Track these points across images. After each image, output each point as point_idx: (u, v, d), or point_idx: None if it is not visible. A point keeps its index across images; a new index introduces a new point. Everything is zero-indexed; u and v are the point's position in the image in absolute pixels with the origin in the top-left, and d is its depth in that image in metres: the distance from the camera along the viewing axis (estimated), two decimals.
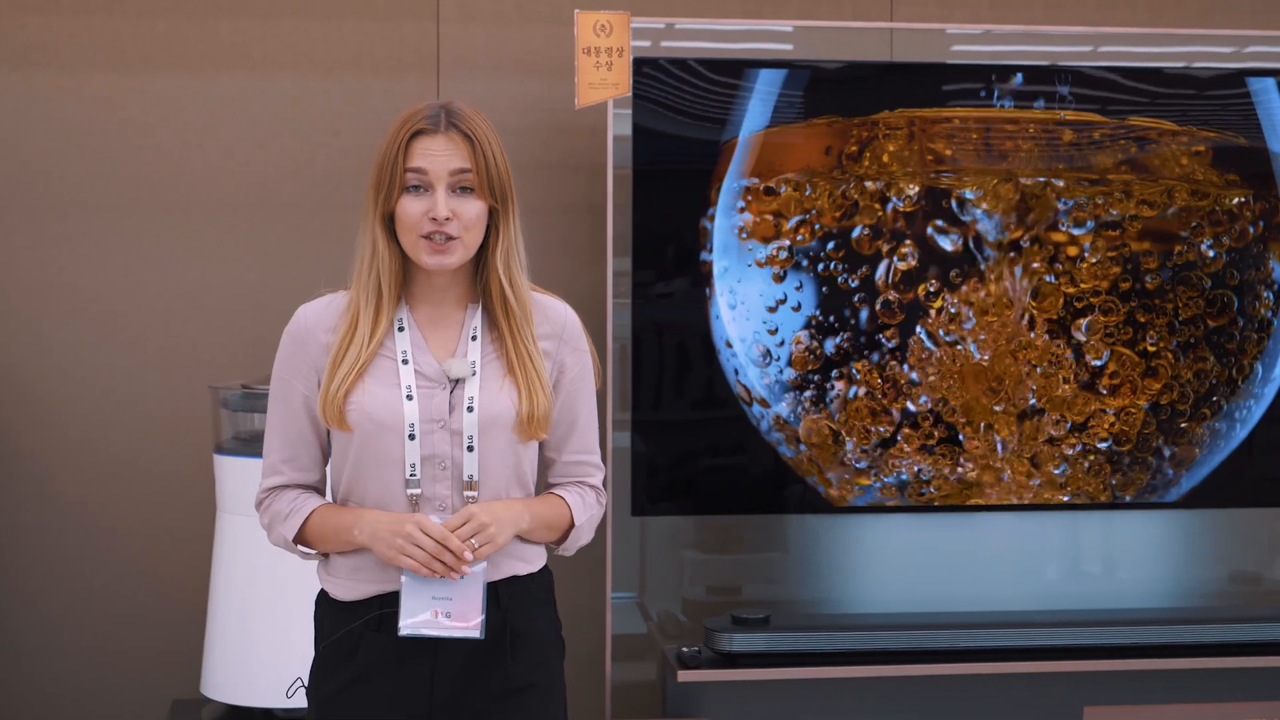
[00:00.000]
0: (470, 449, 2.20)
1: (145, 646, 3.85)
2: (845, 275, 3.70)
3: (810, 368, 3.71)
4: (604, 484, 2.39)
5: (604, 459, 3.56)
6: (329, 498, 2.33)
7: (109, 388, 3.85)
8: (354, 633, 2.23)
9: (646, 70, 3.64)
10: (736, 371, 3.72)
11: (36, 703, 3.85)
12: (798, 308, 3.70)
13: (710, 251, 3.69)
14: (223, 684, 3.43)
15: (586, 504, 2.34)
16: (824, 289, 3.70)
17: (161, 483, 3.84)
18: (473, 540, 2.15)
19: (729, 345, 3.71)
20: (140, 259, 3.85)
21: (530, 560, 2.29)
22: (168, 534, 3.84)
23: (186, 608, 3.76)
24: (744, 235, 3.69)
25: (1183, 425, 3.82)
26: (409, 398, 2.20)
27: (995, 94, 3.75)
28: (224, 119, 3.86)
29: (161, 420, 3.84)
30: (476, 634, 2.18)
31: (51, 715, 3.85)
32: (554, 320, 2.30)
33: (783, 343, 3.71)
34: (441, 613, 2.17)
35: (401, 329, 2.24)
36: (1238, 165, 3.81)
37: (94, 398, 3.84)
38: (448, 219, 2.18)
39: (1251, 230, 3.82)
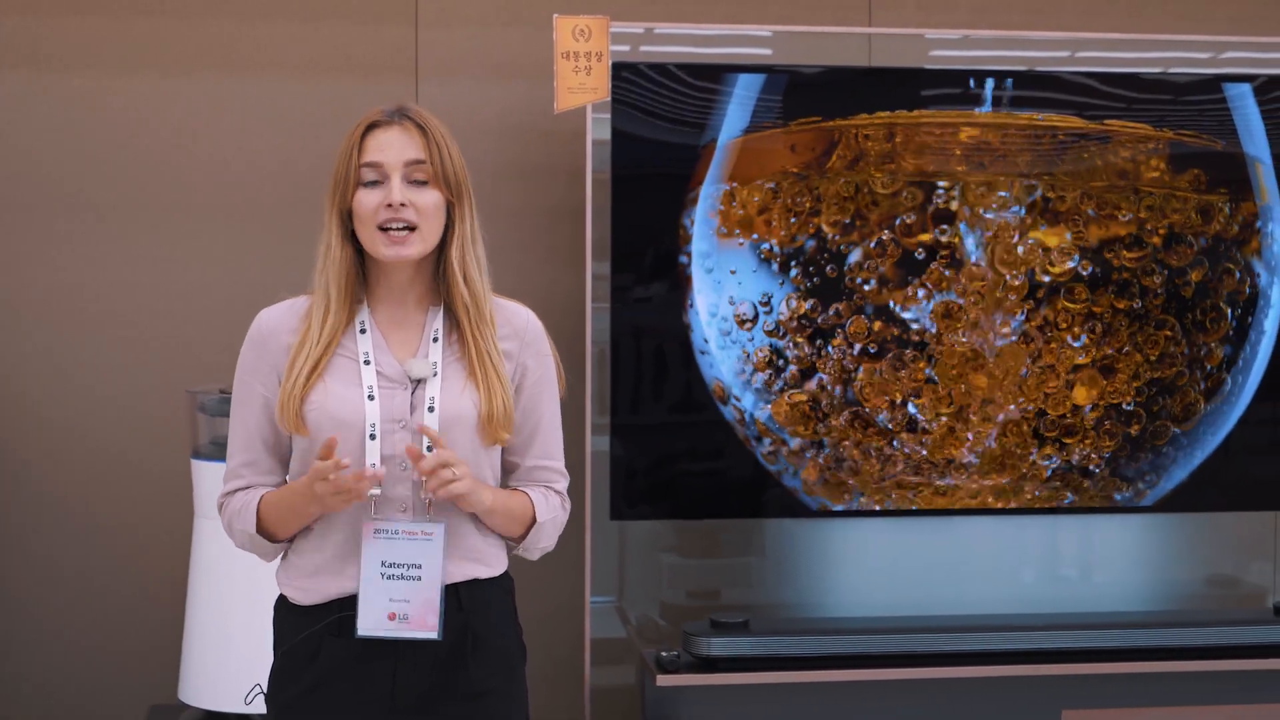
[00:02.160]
0: (430, 449, 2.20)
1: (123, 652, 3.84)
2: (825, 274, 3.71)
3: (793, 348, 3.71)
4: (568, 492, 2.38)
5: (583, 462, 3.60)
6: None
7: (91, 388, 3.83)
8: (314, 637, 2.22)
9: (626, 75, 3.64)
10: (711, 368, 3.73)
11: (15, 708, 3.83)
12: (795, 286, 3.71)
13: (689, 255, 3.69)
14: (200, 689, 3.42)
15: (550, 505, 2.33)
16: (804, 290, 3.70)
17: (143, 486, 3.83)
18: (442, 471, 2.13)
19: (704, 340, 3.71)
20: (118, 260, 3.83)
21: (491, 564, 2.28)
22: (149, 538, 3.83)
23: (166, 612, 3.75)
24: (722, 238, 3.69)
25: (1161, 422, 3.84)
26: (370, 398, 2.20)
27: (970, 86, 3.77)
28: (203, 120, 3.85)
29: (143, 422, 3.83)
30: (434, 635, 2.18)
31: None
32: (515, 324, 2.30)
33: (752, 338, 3.72)
34: (399, 614, 2.17)
35: (363, 331, 2.24)
36: (1215, 169, 3.83)
37: (76, 399, 3.83)
38: (403, 205, 2.18)
39: (1228, 233, 3.84)
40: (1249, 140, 3.85)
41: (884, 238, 3.71)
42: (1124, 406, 3.80)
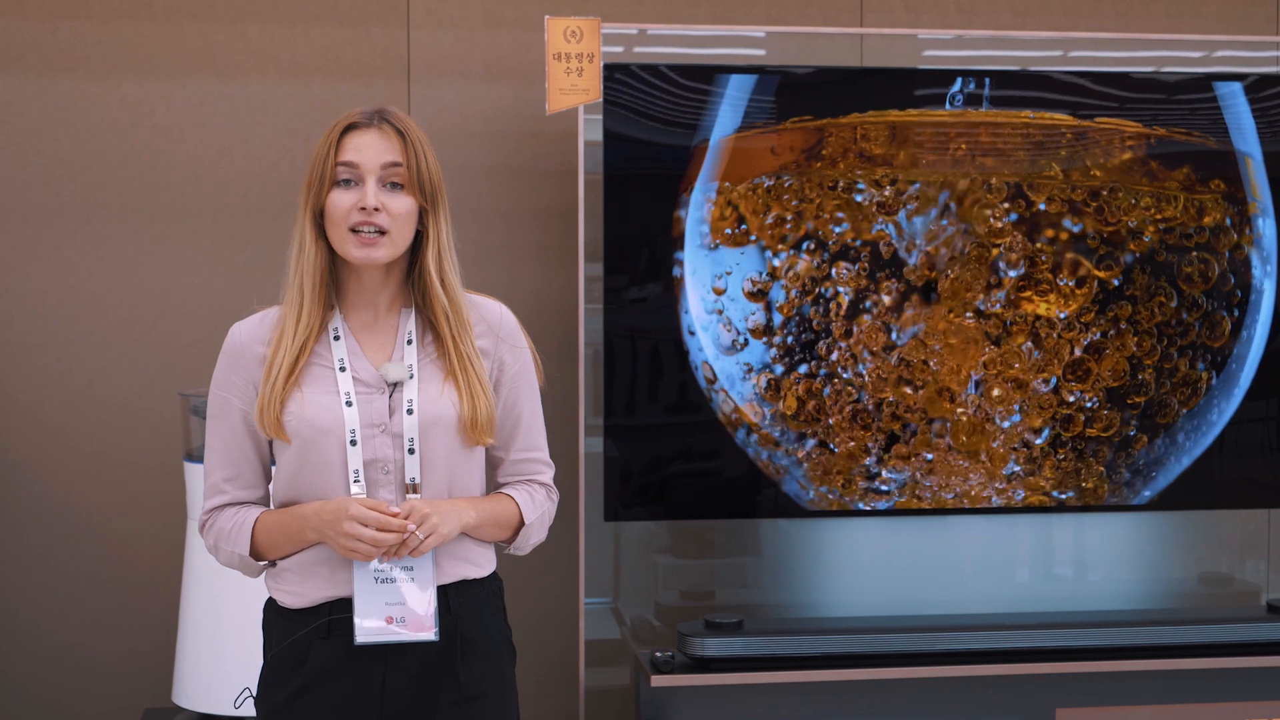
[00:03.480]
0: (411, 451, 2.19)
1: (117, 654, 3.84)
2: (815, 274, 3.71)
3: (782, 351, 3.72)
4: (554, 482, 2.38)
5: (577, 464, 3.60)
6: (271, 507, 2.31)
7: (84, 390, 3.83)
8: (303, 641, 2.21)
9: (618, 76, 3.64)
10: (707, 369, 3.73)
11: (8, 710, 3.82)
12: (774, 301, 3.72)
13: (682, 255, 3.69)
14: (193, 692, 3.42)
15: (536, 502, 2.33)
16: (795, 290, 3.70)
17: (137, 488, 3.83)
18: (417, 533, 2.14)
19: (692, 333, 3.71)
20: (110, 262, 3.83)
21: (480, 564, 2.28)
22: (142, 540, 3.83)
23: (159, 615, 3.75)
24: (715, 238, 3.69)
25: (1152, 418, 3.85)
26: (348, 404, 2.19)
27: (950, 98, 3.78)
28: (194, 123, 3.85)
29: (136, 425, 3.83)
30: (432, 636, 2.18)
31: None
32: (490, 319, 2.30)
33: (748, 340, 3.72)
34: (396, 619, 2.17)
35: (337, 338, 2.23)
36: (1206, 167, 3.83)
37: (70, 401, 3.82)
38: (376, 210, 2.17)
39: (1225, 232, 3.84)
40: (1239, 137, 3.85)
41: (876, 230, 3.72)
42: (1137, 373, 3.80)
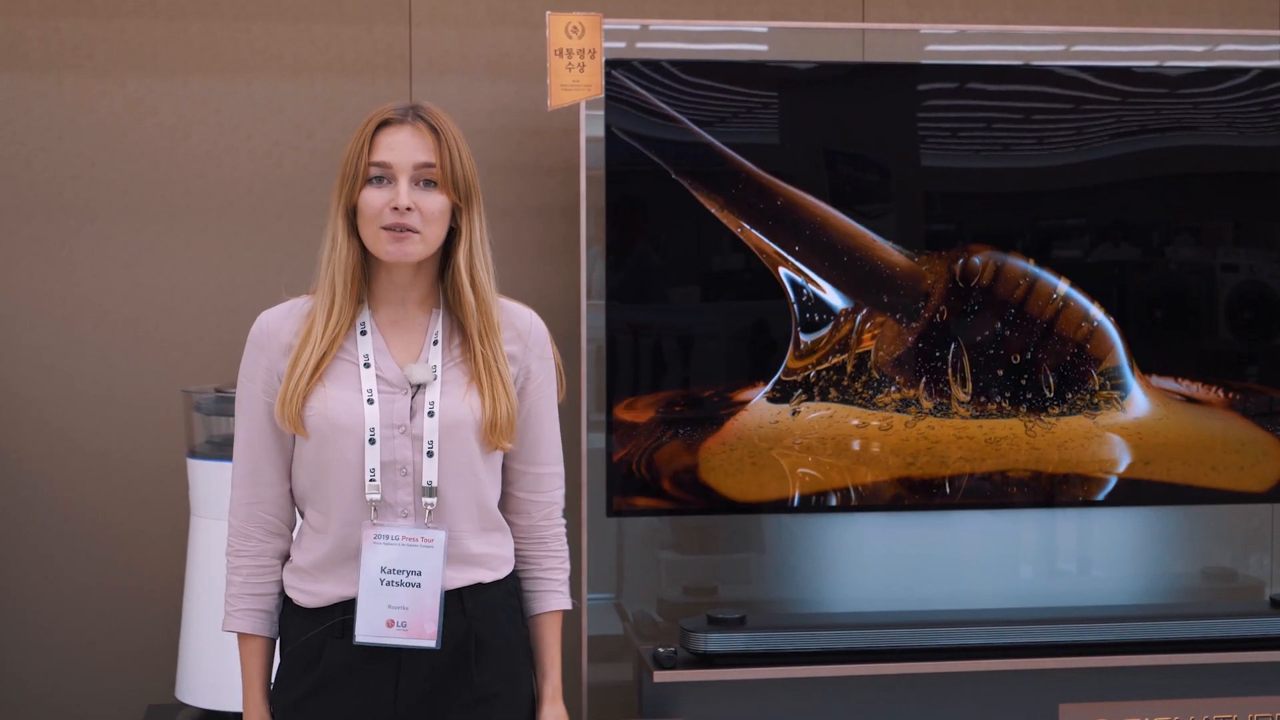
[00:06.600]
0: (430, 454, 2.18)
1: (121, 651, 3.85)
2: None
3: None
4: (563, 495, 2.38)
5: (579, 460, 3.60)
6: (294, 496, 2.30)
7: (87, 388, 3.84)
8: (316, 639, 2.21)
9: (619, 72, 3.64)
10: None
11: (12, 708, 3.84)
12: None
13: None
14: (198, 688, 3.43)
15: (565, 568, 2.36)
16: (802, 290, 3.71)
17: (140, 485, 3.84)
18: None
19: None
20: (113, 260, 3.84)
21: (495, 568, 2.26)
22: (146, 537, 3.84)
23: (163, 612, 3.76)
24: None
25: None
26: (370, 402, 2.18)
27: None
28: (194, 121, 3.85)
29: (139, 422, 3.84)
30: (431, 644, 2.17)
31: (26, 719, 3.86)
32: (520, 326, 2.28)
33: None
34: (398, 622, 2.16)
35: (364, 333, 2.21)
36: (1212, 163, 3.83)
37: (72, 399, 3.83)
38: (409, 210, 2.15)
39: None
40: (1246, 135, 3.85)
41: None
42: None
